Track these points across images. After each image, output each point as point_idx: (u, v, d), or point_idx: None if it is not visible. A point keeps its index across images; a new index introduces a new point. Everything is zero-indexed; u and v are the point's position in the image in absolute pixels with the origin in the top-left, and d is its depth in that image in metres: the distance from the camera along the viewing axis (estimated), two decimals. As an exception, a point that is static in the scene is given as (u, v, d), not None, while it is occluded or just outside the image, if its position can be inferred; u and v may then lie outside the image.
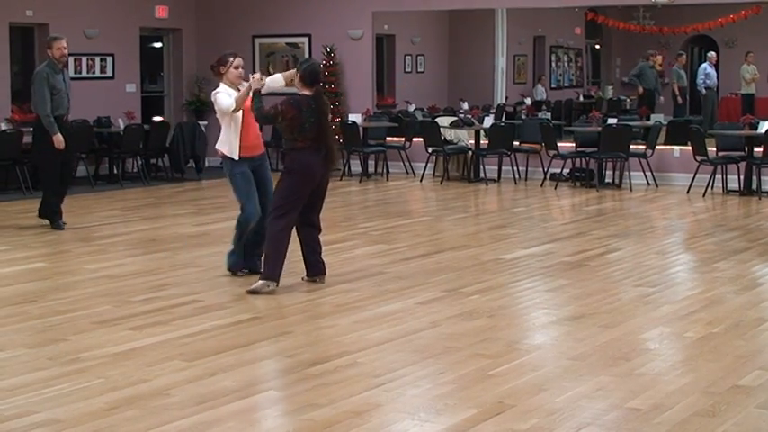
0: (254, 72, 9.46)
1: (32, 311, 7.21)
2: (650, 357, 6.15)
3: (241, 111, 8.00)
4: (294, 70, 7.98)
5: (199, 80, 17.45)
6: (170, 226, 11.48)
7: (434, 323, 6.90)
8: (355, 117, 16.22)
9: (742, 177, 14.03)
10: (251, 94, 7.80)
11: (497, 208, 13.57)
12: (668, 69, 21.56)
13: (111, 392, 5.35)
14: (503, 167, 15.68)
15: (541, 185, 14.98)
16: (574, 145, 15.35)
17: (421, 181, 15.71)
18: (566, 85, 24.99)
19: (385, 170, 16.33)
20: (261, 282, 7.73)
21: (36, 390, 5.38)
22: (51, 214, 10.94)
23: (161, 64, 18.02)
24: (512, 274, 8.67)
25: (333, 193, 13.87)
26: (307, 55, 16.77)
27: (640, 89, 19.05)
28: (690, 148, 14.32)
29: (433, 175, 15.98)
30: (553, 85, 24.24)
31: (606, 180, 15.01)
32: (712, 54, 21.20)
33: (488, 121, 15.91)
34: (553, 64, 24.59)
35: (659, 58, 19.96)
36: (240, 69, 8.17)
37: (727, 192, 14.08)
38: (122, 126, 15.33)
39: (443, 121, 16.27)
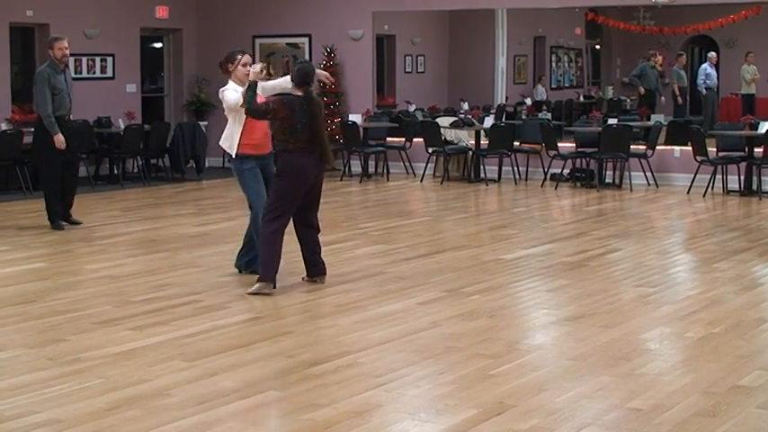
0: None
1: (33, 312, 7.21)
2: (651, 357, 6.15)
3: None
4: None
5: (199, 80, 17.44)
6: (170, 226, 11.47)
7: (435, 323, 6.90)
8: (356, 117, 16.21)
9: (742, 178, 14.02)
10: (246, 86, 7.75)
11: (498, 208, 13.57)
12: (668, 69, 21.55)
13: (112, 392, 5.35)
14: (503, 168, 15.67)
15: (542, 186, 14.98)
16: (574, 145, 15.34)
17: (421, 181, 15.71)
18: (566, 85, 24.98)
19: (385, 170, 16.33)
20: (258, 284, 7.73)
21: (37, 390, 5.39)
22: (51, 214, 10.94)
23: (161, 64, 18.01)
24: (512, 274, 8.67)
25: (333, 194, 13.97)
26: (307, 56, 16.77)
27: (641, 89, 19.08)
28: (690, 148, 14.31)
29: (434, 175, 15.97)
30: (553, 86, 24.23)
31: (606, 180, 15.00)
32: (712, 54, 21.20)
33: (489, 122, 15.91)
34: (553, 64, 24.58)
35: (660, 58, 19.99)
36: (248, 67, 8.16)
37: (727, 192, 14.08)
38: (123, 126, 15.34)
39: (444, 121, 16.26)
